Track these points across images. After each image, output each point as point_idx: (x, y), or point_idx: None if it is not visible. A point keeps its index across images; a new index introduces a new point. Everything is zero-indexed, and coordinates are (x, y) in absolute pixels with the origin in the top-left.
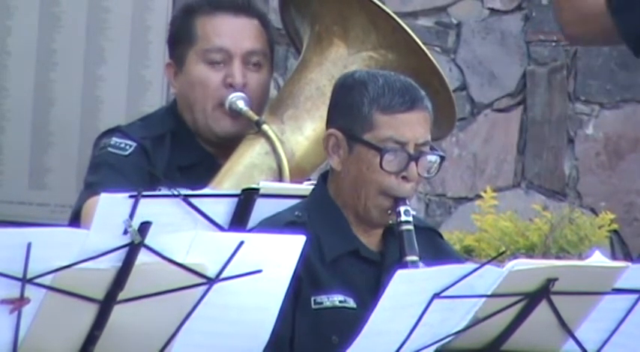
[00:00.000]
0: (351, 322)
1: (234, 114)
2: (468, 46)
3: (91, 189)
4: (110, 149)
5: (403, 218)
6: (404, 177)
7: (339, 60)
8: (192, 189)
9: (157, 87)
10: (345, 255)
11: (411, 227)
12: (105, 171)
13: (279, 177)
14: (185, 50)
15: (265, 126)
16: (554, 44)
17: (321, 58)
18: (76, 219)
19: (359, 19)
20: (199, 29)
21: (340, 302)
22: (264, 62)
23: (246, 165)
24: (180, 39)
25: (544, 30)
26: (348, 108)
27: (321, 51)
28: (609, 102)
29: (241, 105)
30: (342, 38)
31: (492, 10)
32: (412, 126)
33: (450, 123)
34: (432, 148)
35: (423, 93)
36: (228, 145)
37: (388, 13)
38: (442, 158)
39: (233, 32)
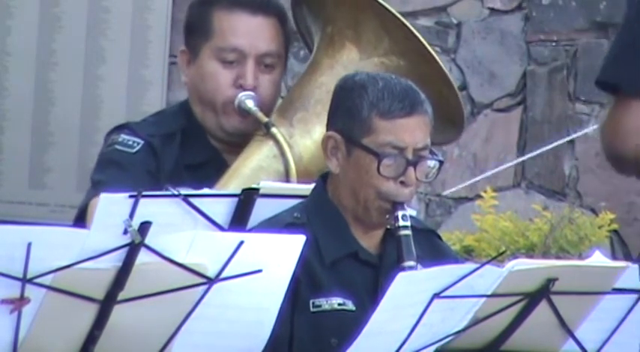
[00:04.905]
0: (350, 325)
1: (243, 112)
2: (468, 46)
3: (98, 187)
4: (117, 146)
5: (401, 223)
6: (402, 182)
7: (351, 64)
8: (200, 187)
9: (157, 87)
10: (344, 257)
11: (408, 232)
12: (112, 170)
13: (286, 181)
14: (200, 42)
15: (274, 129)
16: (554, 44)
17: (333, 60)
18: (81, 217)
19: (372, 25)
20: (216, 24)
21: (339, 304)
22: (278, 63)
23: (253, 167)
24: (196, 30)
25: (544, 30)
26: (347, 111)
27: (333, 53)
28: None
29: (250, 104)
30: (355, 42)
31: (492, 10)
32: (411, 131)
33: (459, 129)
34: (431, 152)
35: (423, 96)
36: (236, 142)
37: (402, 21)
38: (441, 163)
39: (249, 32)
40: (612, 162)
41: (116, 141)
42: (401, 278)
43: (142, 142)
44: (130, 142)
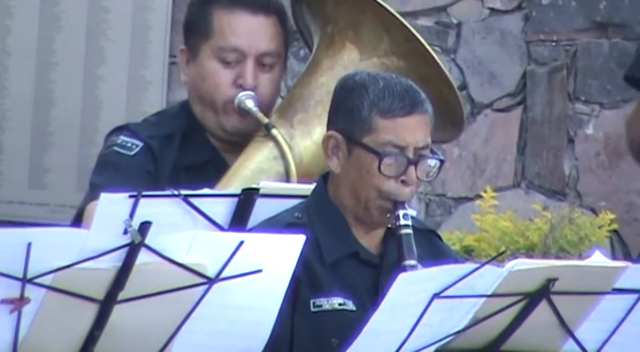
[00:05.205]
0: (351, 325)
1: (243, 112)
2: (468, 46)
3: (95, 190)
4: (116, 148)
5: (402, 222)
6: (403, 181)
7: (351, 64)
8: (200, 188)
9: (157, 87)
10: (345, 257)
11: (409, 231)
12: (110, 172)
13: (287, 183)
14: (200, 42)
15: (274, 131)
16: (554, 44)
17: (333, 61)
18: (78, 219)
19: (372, 25)
20: (216, 23)
21: (340, 304)
22: (278, 62)
23: (254, 169)
24: (196, 29)
25: (544, 30)
26: (348, 111)
27: (333, 54)
28: (609, 102)
29: (250, 105)
30: (355, 43)
31: (492, 10)
32: (412, 130)
33: (458, 129)
34: (432, 151)
35: (423, 96)
36: (236, 141)
37: (401, 21)
38: (442, 161)
39: (249, 32)
40: (637, 157)
41: (115, 143)
42: (402, 279)
43: (140, 144)
44: (129, 144)
